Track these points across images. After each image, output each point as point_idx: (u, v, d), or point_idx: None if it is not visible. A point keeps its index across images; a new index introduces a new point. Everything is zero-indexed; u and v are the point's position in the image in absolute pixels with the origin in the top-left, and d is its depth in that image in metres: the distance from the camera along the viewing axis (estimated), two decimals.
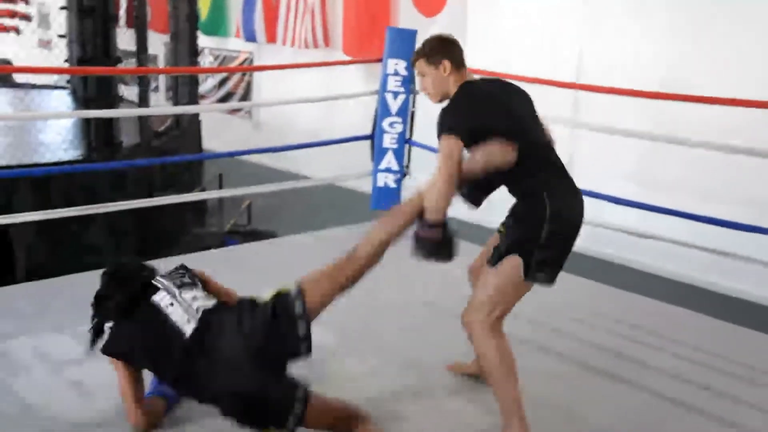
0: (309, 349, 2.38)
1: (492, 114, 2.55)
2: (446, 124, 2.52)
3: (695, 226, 4.19)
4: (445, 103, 2.62)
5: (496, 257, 2.56)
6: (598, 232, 5.94)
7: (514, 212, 2.66)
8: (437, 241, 2.51)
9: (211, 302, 2.50)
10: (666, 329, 3.76)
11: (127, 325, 2.46)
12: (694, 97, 4.40)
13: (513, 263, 2.49)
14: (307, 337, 2.37)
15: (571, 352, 3.42)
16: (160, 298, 2.46)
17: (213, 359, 2.32)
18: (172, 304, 2.44)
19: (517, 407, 2.50)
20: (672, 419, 2.93)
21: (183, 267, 2.64)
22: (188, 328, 2.38)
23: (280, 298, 2.42)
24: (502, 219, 2.73)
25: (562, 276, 4.05)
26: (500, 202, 2.75)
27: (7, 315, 3.51)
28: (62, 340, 3.21)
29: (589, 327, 3.75)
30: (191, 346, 2.35)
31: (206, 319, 2.40)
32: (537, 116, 2.68)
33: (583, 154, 6.78)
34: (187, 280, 2.54)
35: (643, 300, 4.24)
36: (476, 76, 2.73)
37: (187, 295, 2.48)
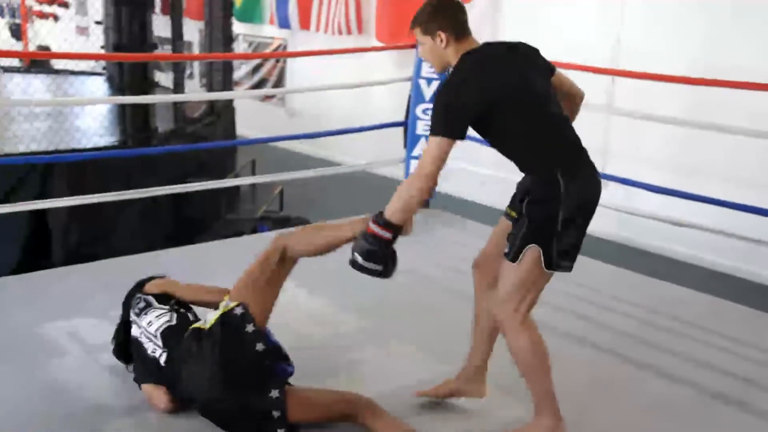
0: (274, 360, 2.37)
1: (497, 89, 2.31)
2: (441, 121, 2.27)
3: (731, 214, 4.11)
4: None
5: (511, 247, 2.37)
6: (632, 220, 5.89)
7: (525, 192, 2.40)
8: (386, 243, 2.29)
9: (164, 321, 2.56)
10: (701, 319, 3.70)
11: (135, 362, 2.67)
12: (731, 82, 4.30)
13: (534, 255, 2.32)
14: (268, 351, 2.36)
15: (604, 342, 3.39)
16: (135, 332, 2.64)
17: (188, 384, 2.42)
18: (140, 335, 2.60)
19: (550, 401, 2.44)
20: (710, 411, 2.89)
21: (136, 287, 2.75)
22: (161, 356, 2.51)
23: (228, 318, 2.38)
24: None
25: (595, 264, 4.03)
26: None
27: (43, 299, 3.57)
28: (97, 325, 3.25)
29: (622, 316, 3.71)
30: (169, 372, 2.48)
31: (169, 345, 2.50)
32: (550, 84, 2.45)
33: (618, 140, 6.69)
34: (141, 304, 2.63)
35: (679, 289, 4.18)
36: (479, 42, 2.44)
37: (144, 321, 2.59)
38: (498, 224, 2.58)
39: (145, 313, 2.62)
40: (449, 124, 2.26)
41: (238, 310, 2.36)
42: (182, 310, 2.68)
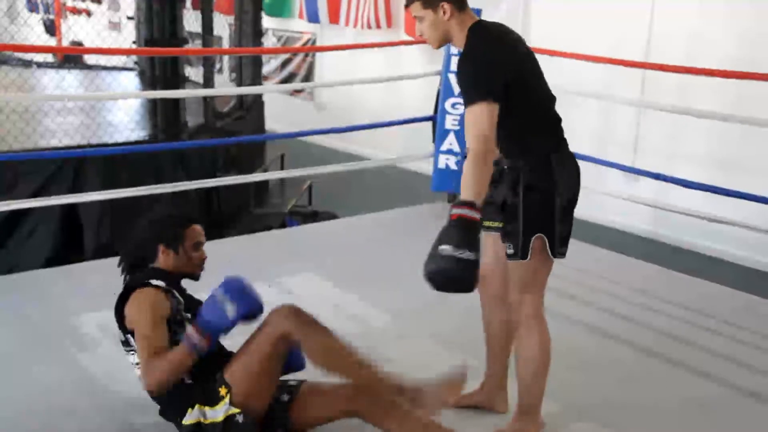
0: None
1: (518, 62, 2.27)
2: (481, 85, 2.19)
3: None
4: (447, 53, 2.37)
5: (515, 246, 2.29)
6: (667, 216, 5.80)
7: (516, 181, 2.32)
8: (475, 226, 2.07)
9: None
10: (737, 316, 3.64)
11: None
12: (762, 75, 4.21)
13: (540, 245, 2.29)
14: None
15: (639, 339, 3.35)
16: None
17: None
18: None
19: (539, 403, 2.45)
20: (745, 410, 2.84)
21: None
22: None
23: (230, 425, 2.22)
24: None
25: (629, 261, 3.98)
26: None
27: (76, 291, 3.61)
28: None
29: (656, 314, 3.66)
30: None
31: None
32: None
33: (652, 134, 6.60)
34: (122, 338, 2.41)
35: (714, 286, 4.11)
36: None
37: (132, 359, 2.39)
38: (485, 239, 2.40)
39: (128, 352, 2.39)
40: (491, 84, 2.19)
41: (240, 419, 2.21)
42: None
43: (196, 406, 2.24)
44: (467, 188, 2.11)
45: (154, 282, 2.36)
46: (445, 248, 2.01)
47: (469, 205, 2.08)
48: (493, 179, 2.28)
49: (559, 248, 2.34)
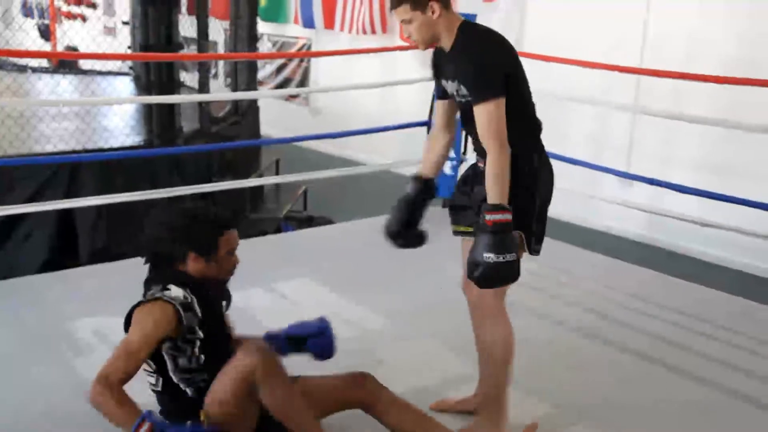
0: None
1: (513, 61, 2.32)
2: (491, 81, 2.23)
3: (763, 216, 4.04)
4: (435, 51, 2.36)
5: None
6: (662, 221, 5.81)
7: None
8: (508, 225, 2.19)
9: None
10: (728, 320, 3.65)
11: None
12: (759, 80, 4.23)
13: (518, 241, 2.30)
14: None
15: (634, 344, 3.35)
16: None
17: None
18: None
19: (503, 394, 2.45)
20: (741, 414, 2.84)
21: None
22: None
23: None
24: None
25: (624, 266, 4.00)
26: None
27: (70, 296, 3.61)
28: (122, 323, 3.27)
29: (651, 318, 3.67)
30: None
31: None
32: None
33: (646, 139, 6.61)
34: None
35: (705, 290, 4.12)
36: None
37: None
38: (462, 246, 2.47)
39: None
40: (496, 84, 2.24)
41: None
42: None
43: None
44: (497, 190, 2.20)
45: (173, 291, 2.19)
46: (489, 256, 2.17)
47: (501, 208, 2.19)
48: (466, 180, 2.43)
49: (534, 245, 2.38)
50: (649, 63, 6.33)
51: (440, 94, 2.55)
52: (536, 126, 2.42)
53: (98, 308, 3.42)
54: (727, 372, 3.15)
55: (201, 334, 2.21)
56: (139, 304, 2.24)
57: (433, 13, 2.28)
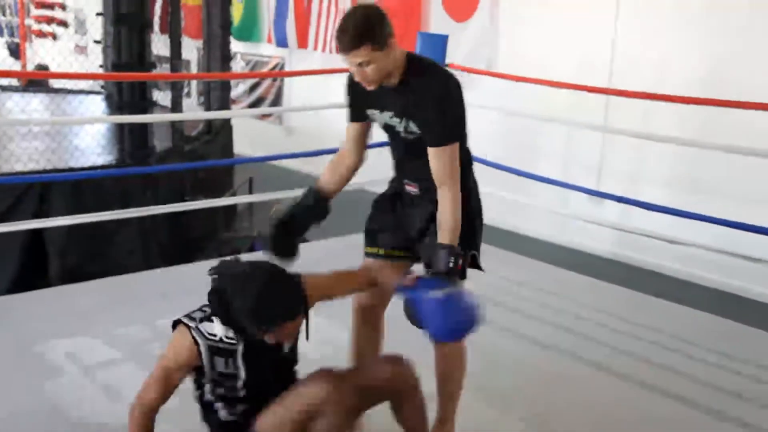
0: None
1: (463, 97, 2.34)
2: (453, 125, 2.26)
3: (732, 233, 4.11)
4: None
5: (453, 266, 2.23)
6: (632, 238, 5.88)
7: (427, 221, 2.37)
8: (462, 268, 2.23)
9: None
10: (698, 336, 3.70)
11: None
12: (727, 101, 4.32)
13: (468, 260, 2.32)
14: None
15: (600, 358, 3.38)
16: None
17: None
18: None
19: (455, 412, 2.48)
20: (705, 427, 2.88)
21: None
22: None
23: None
24: None
25: (592, 282, 4.02)
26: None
27: (40, 317, 3.56)
28: (93, 344, 3.25)
29: (618, 333, 3.71)
30: None
31: None
32: None
33: (616, 158, 6.70)
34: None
35: (676, 307, 4.18)
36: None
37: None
38: (390, 269, 2.45)
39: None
40: (457, 130, 2.30)
41: None
42: None
43: None
44: (456, 233, 2.22)
45: (214, 328, 2.08)
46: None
47: (460, 251, 2.20)
48: (390, 200, 2.48)
49: (478, 263, 2.42)
50: (617, 83, 6.43)
51: (356, 118, 2.51)
52: (470, 154, 2.45)
53: (68, 329, 3.39)
54: (696, 387, 3.19)
55: (243, 374, 2.12)
56: (179, 321, 2.13)
57: (390, 49, 2.21)
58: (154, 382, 2.10)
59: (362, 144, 2.56)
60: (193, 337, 2.07)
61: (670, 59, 6.22)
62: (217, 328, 2.08)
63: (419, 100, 2.26)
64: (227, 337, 2.08)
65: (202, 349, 2.07)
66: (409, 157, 2.39)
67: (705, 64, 5.98)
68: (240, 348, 2.10)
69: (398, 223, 2.48)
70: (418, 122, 2.29)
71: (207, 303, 2.13)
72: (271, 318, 2.01)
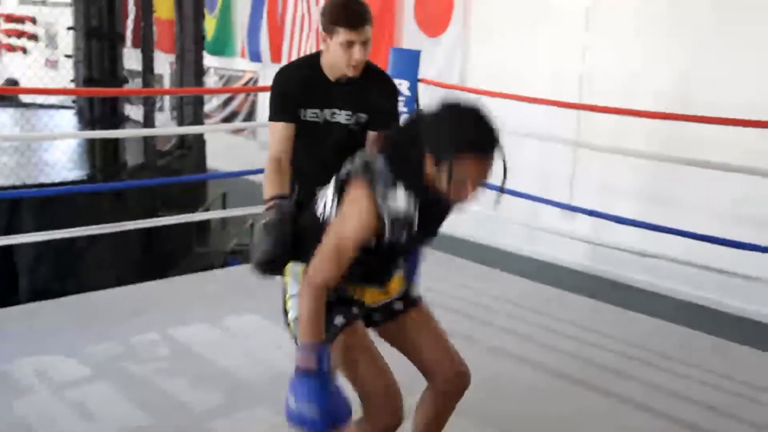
0: None
1: None
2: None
3: (703, 246, 4.17)
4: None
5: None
6: (604, 252, 5.94)
7: None
8: None
9: None
10: (670, 349, 3.74)
11: None
12: (694, 117, 4.39)
13: None
14: None
15: (574, 372, 3.40)
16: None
17: None
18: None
19: None
20: None
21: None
22: None
23: None
24: None
25: (565, 295, 4.02)
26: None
27: (9, 336, 3.51)
28: (64, 362, 3.20)
29: (593, 347, 3.73)
30: None
31: None
32: None
33: (588, 171, 6.77)
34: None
35: (648, 320, 4.22)
36: None
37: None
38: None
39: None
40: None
41: None
42: None
43: None
44: None
45: (398, 200, 1.86)
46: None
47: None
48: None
49: None
50: (588, 98, 6.51)
51: (291, 118, 2.39)
52: None
53: (38, 347, 3.34)
54: (668, 399, 3.22)
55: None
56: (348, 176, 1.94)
57: None
58: (334, 259, 1.89)
59: (292, 146, 2.43)
60: (379, 215, 1.86)
61: (639, 73, 6.31)
62: (399, 199, 1.86)
63: (385, 88, 2.36)
64: (406, 211, 1.87)
65: (386, 222, 1.87)
66: (341, 154, 2.11)
67: (671, 78, 6.08)
68: (416, 218, 1.89)
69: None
70: (374, 113, 2.32)
71: (385, 160, 1.91)
72: (474, 140, 1.89)
